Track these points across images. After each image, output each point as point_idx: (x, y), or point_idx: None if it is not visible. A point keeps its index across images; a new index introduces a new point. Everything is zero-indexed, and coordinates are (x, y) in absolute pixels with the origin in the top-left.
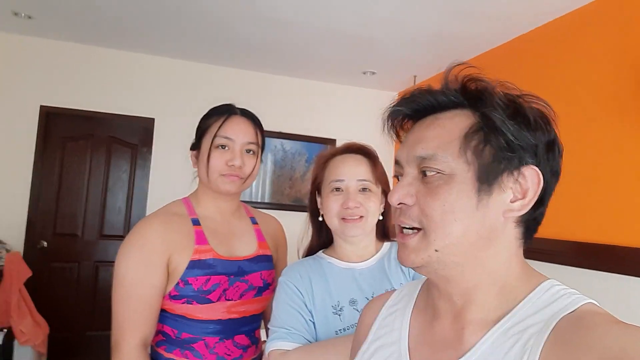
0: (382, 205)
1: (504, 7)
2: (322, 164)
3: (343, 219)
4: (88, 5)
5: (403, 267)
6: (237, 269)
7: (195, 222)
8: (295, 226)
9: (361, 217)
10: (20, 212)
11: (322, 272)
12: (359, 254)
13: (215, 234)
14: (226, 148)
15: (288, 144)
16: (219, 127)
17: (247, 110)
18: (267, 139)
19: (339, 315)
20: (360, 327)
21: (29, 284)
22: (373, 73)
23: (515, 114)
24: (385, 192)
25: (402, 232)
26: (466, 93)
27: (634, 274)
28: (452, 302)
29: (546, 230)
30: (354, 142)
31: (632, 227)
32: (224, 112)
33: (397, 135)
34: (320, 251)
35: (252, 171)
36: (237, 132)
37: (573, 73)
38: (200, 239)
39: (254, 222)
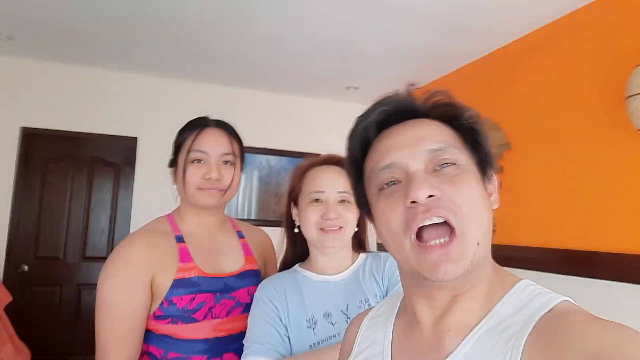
0: (357, 217)
1: (481, 22)
2: (300, 175)
3: (322, 230)
4: (69, 25)
5: (377, 278)
6: (223, 286)
7: (179, 239)
8: (283, 243)
9: (340, 227)
10: (0, 236)
11: (297, 286)
12: (334, 265)
13: (200, 250)
14: (202, 162)
15: (273, 160)
16: (193, 141)
17: (221, 121)
18: (252, 156)
19: (313, 329)
20: (345, 342)
21: (9, 309)
22: (356, 88)
23: (481, 125)
24: None
25: (430, 243)
26: (438, 114)
27: (616, 278)
28: (434, 308)
29: (529, 238)
30: (333, 154)
31: (614, 233)
32: (197, 125)
33: (365, 145)
34: (297, 265)
35: (232, 182)
36: (212, 144)
37: (548, 84)
38: (184, 256)
39: (241, 236)
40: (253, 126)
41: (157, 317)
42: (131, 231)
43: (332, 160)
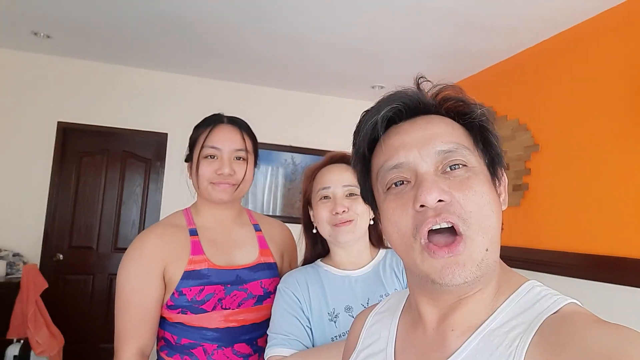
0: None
1: (510, 22)
2: (310, 177)
3: (334, 225)
4: (104, 24)
5: (398, 274)
6: (234, 278)
7: (193, 233)
8: None
9: (351, 221)
10: (37, 226)
11: (319, 279)
12: (354, 260)
13: (213, 243)
14: (214, 157)
15: (298, 158)
16: (206, 137)
17: (235, 118)
18: (278, 153)
19: (335, 321)
20: (350, 337)
21: (44, 296)
22: (382, 87)
23: (492, 123)
24: None
25: (439, 247)
26: (447, 108)
27: None
28: (439, 307)
29: (556, 242)
30: (336, 152)
31: None
32: (210, 122)
33: (373, 141)
34: (319, 259)
35: (244, 177)
36: (224, 140)
37: (578, 86)
38: (196, 249)
39: (257, 229)
40: (279, 124)
41: (169, 307)
42: None
43: (335, 158)
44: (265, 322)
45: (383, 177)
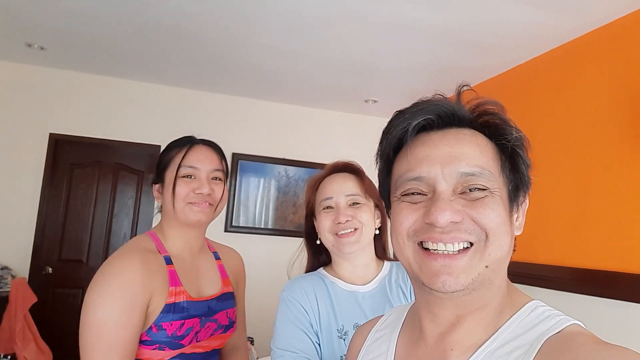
0: (379, 220)
1: (503, 39)
2: (313, 187)
3: (337, 235)
4: (98, 36)
5: (405, 290)
6: (207, 309)
7: (168, 261)
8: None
9: (355, 229)
10: (26, 238)
11: (327, 292)
12: (360, 274)
13: (185, 272)
14: (192, 177)
15: (292, 170)
16: (183, 157)
17: (208, 140)
18: (271, 166)
19: (344, 339)
20: (350, 352)
21: (33, 310)
22: (375, 101)
23: (526, 149)
24: (378, 205)
25: (441, 255)
26: (483, 123)
27: (635, 300)
28: (438, 324)
29: (548, 256)
30: (338, 161)
31: (634, 254)
32: (185, 142)
33: (399, 145)
34: (321, 268)
35: (222, 197)
36: (202, 160)
37: (570, 102)
38: (174, 279)
39: (217, 258)
40: (272, 137)
41: (143, 342)
42: None
43: (337, 168)
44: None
45: (402, 185)
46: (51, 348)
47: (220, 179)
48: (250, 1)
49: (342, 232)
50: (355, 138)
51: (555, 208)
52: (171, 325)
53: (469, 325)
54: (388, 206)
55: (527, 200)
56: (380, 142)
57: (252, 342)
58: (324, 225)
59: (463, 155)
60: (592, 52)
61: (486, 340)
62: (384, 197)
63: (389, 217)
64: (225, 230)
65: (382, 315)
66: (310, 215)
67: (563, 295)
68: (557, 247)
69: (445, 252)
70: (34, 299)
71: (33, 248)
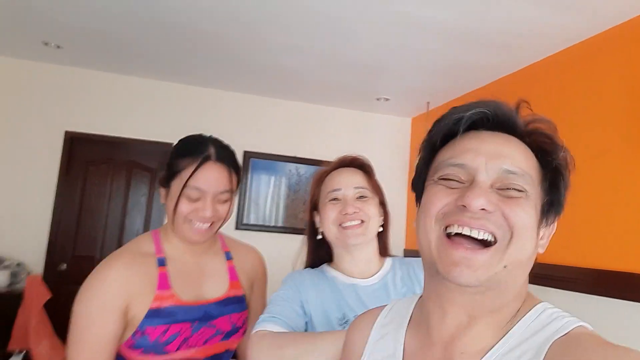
0: (381, 218)
1: (515, 38)
2: (319, 180)
3: (341, 226)
4: (113, 35)
5: (409, 286)
6: (202, 314)
7: (161, 263)
8: None
9: (362, 221)
10: (41, 235)
11: (327, 283)
12: (362, 269)
13: (182, 275)
14: (197, 199)
15: (302, 168)
16: (191, 176)
17: (224, 151)
18: (282, 163)
19: (345, 327)
20: (349, 346)
21: (48, 306)
22: (387, 99)
23: (569, 171)
24: (383, 203)
25: (464, 246)
26: (533, 141)
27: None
28: (450, 324)
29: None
30: (346, 155)
31: None
32: (197, 154)
33: (447, 136)
34: (324, 264)
35: (226, 216)
36: (211, 182)
37: (582, 101)
38: (163, 283)
39: (229, 258)
40: (283, 135)
41: (129, 347)
42: None
43: (346, 162)
44: (227, 352)
45: (442, 169)
46: (64, 343)
47: (227, 200)
48: (269, 1)
49: (349, 223)
50: (366, 136)
51: (568, 208)
52: (155, 329)
53: (480, 329)
54: (419, 194)
55: (555, 225)
56: (430, 131)
57: None
58: (329, 217)
59: (508, 155)
60: (605, 52)
61: (495, 344)
62: (417, 186)
63: (418, 205)
64: (236, 228)
65: (381, 308)
66: (313, 209)
67: (580, 297)
68: (575, 248)
69: (469, 238)
70: (49, 296)
71: (48, 244)
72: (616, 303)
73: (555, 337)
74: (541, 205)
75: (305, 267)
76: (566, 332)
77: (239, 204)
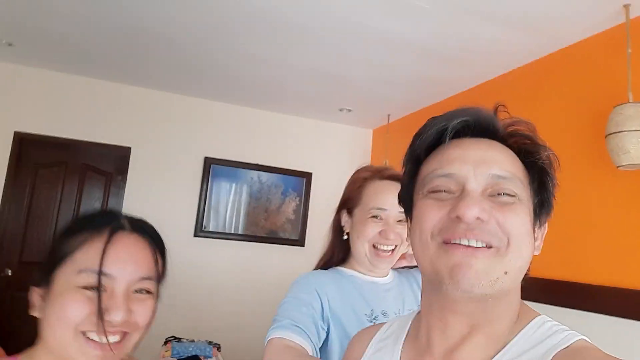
0: None
1: (474, 54)
2: (359, 185)
3: (375, 247)
4: (67, 34)
5: (417, 293)
6: None
7: None
8: (271, 259)
9: (395, 247)
10: None
11: (349, 282)
12: (378, 273)
13: None
14: (101, 290)
15: (264, 176)
16: (90, 255)
17: (139, 220)
18: (244, 171)
19: (374, 322)
20: (348, 358)
21: None
22: (349, 110)
23: (555, 170)
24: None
25: (464, 246)
26: (515, 142)
27: (634, 317)
28: (450, 336)
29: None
30: (391, 169)
31: (632, 269)
32: (100, 225)
33: (431, 147)
34: (338, 267)
35: (147, 321)
36: (123, 263)
37: (533, 120)
38: None
39: None
40: (246, 142)
41: None
42: None
43: (394, 177)
44: None
45: (430, 181)
46: (7, 353)
47: (148, 291)
48: (225, 8)
49: (384, 247)
50: (329, 146)
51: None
52: None
53: (480, 340)
54: (409, 209)
55: (546, 226)
56: (411, 144)
57: (218, 348)
58: (367, 234)
59: (496, 160)
60: (555, 73)
61: (495, 355)
62: (405, 200)
63: (409, 220)
64: (195, 235)
65: (381, 325)
66: (344, 209)
67: (559, 310)
68: (557, 262)
69: (467, 245)
70: None
71: None
72: (595, 318)
73: (557, 350)
74: (533, 205)
75: (320, 263)
76: (567, 345)
77: (198, 211)
